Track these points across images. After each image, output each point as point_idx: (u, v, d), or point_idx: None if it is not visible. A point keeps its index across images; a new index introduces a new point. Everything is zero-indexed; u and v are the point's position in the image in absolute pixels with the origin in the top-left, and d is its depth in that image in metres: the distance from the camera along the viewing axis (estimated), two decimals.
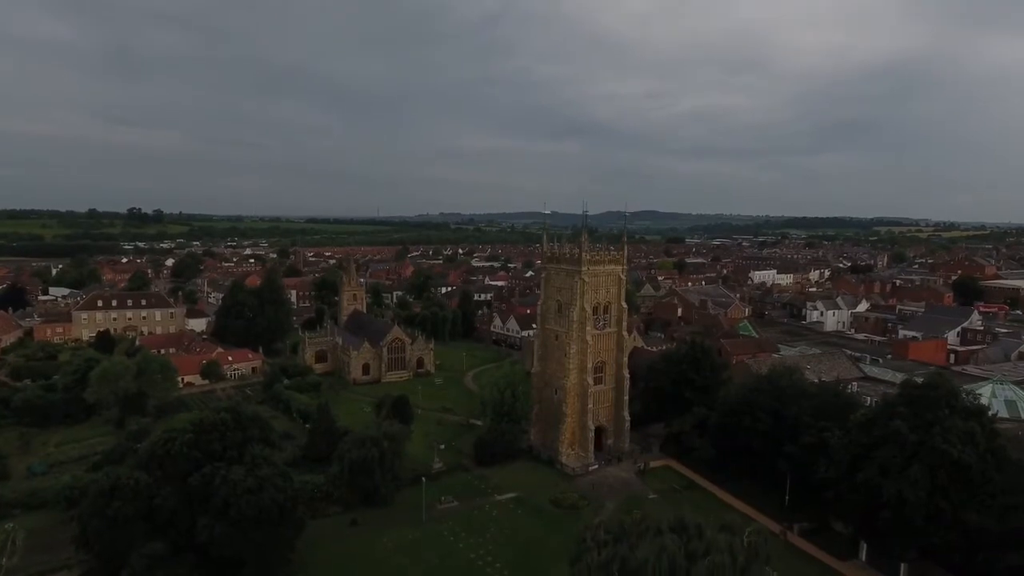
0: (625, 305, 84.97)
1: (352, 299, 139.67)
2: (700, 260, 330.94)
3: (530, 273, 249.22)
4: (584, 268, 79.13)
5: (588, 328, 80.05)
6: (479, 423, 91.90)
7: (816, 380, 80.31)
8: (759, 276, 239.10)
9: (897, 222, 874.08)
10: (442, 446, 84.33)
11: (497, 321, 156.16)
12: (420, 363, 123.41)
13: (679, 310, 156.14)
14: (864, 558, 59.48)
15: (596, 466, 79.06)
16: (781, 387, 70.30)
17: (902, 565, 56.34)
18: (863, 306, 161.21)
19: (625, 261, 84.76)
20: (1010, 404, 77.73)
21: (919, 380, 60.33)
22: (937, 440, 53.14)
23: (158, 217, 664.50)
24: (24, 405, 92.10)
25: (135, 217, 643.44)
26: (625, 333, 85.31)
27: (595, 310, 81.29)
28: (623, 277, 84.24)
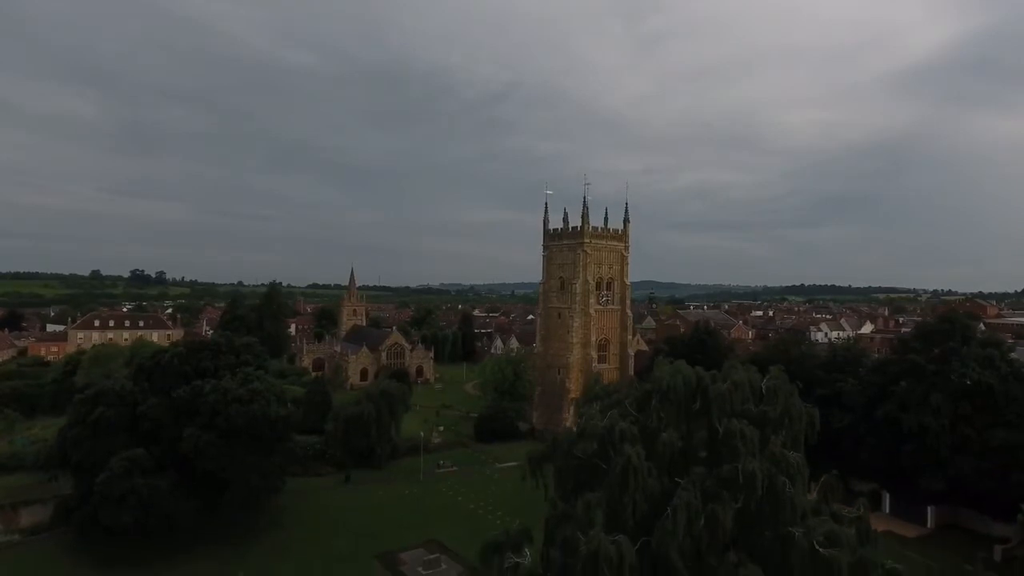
0: (628, 282, 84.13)
1: (352, 314, 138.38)
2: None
3: (530, 317, 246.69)
4: (587, 240, 78.88)
5: (591, 302, 78.91)
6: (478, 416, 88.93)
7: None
8: (760, 312, 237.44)
9: (894, 290, 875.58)
10: (441, 428, 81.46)
11: (498, 342, 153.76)
12: (420, 371, 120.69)
13: (681, 331, 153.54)
14: (887, 510, 56.18)
15: None
16: (790, 352, 68.33)
17: (929, 508, 53.15)
18: (867, 328, 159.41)
19: (628, 239, 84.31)
20: None
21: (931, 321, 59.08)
22: (956, 366, 51.57)
23: (160, 279, 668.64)
24: (11, 393, 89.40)
25: (138, 278, 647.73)
26: (629, 312, 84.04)
27: (598, 285, 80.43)
28: (626, 255, 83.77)
